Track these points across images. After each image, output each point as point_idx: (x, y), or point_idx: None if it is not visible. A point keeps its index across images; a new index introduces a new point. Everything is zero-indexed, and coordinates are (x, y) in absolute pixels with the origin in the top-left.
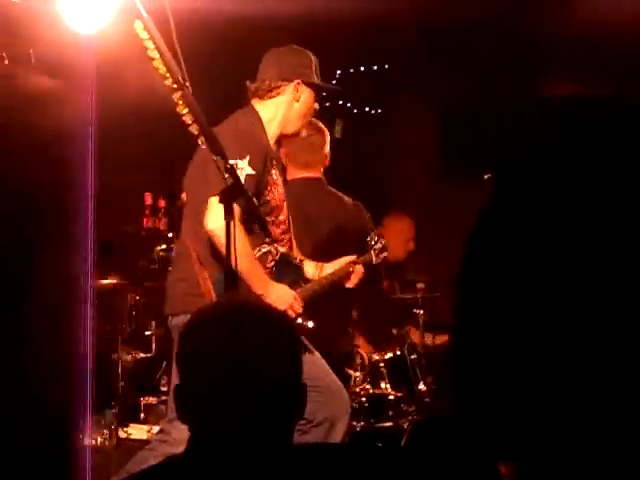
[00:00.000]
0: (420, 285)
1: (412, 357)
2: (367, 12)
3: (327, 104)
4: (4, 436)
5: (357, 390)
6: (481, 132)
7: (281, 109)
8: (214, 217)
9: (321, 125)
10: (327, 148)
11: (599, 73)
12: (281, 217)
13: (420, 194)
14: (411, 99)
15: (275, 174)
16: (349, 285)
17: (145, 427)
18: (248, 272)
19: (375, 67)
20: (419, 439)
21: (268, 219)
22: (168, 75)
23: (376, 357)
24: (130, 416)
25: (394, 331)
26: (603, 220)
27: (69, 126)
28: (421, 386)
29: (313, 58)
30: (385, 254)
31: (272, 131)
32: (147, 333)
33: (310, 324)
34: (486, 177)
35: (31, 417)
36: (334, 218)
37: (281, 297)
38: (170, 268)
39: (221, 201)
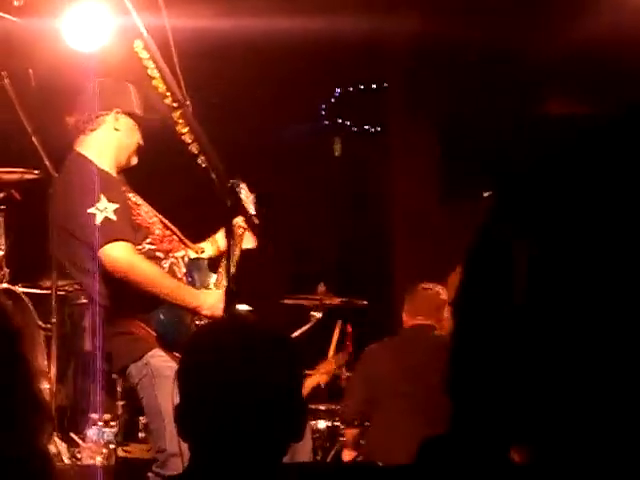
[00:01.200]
0: None
1: None
2: (366, 31)
3: (326, 122)
4: None
5: None
6: (480, 150)
7: (105, 140)
8: (120, 262)
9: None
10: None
11: (596, 91)
12: (157, 232)
13: (420, 213)
14: (410, 118)
15: (132, 197)
16: (244, 246)
17: (145, 446)
18: (175, 293)
19: (374, 86)
20: (422, 458)
21: (148, 240)
22: (168, 94)
23: None
24: (129, 435)
25: None
26: (604, 235)
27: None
28: None
29: (132, 88)
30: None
31: (107, 164)
32: None
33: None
34: (486, 195)
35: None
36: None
37: (215, 303)
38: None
39: (221, 220)
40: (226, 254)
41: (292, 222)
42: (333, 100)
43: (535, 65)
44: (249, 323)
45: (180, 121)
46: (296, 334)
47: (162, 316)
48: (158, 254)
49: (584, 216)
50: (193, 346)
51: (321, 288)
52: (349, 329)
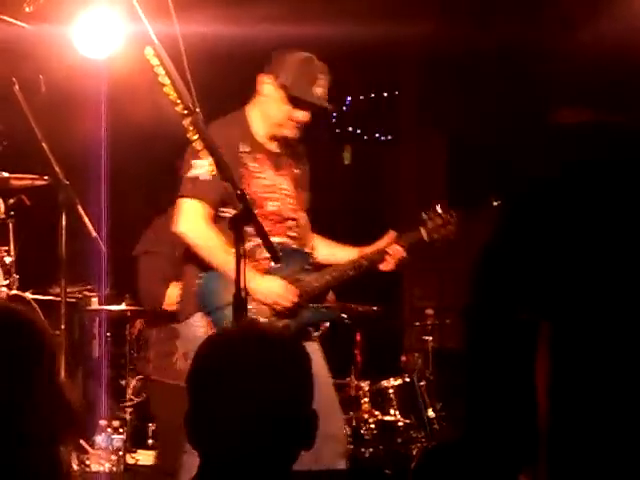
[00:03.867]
0: (429, 311)
1: (421, 384)
2: (378, 39)
3: (337, 130)
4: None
5: (366, 417)
6: (490, 158)
7: (259, 104)
8: (183, 219)
9: None
10: None
11: (608, 99)
12: (269, 208)
13: None
14: (421, 126)
15: (254, 167)
16: (383, 268)
17: (153, 453)
18: (224, 266)
19: (385, 94)
20: (428, 466)
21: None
22: (179, 101)
23: (385, 384)
24: (138, 442)
25: (403, 358)
26: (611, 254)
27: (79, 155)
28: (430, 413)
29: (317, 71)
30: (444, 232)
31: (258, 126)
32: None
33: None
34: (495, 204)
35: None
36: None
37: (266, 290)
38: None
39: (230, 227)
40: (236, 263)
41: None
42: (344, 108)
43: (548, 73)
44: (261, 330)
45: (191, 128)
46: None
47: (202, 281)
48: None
49: (590, 235)
50: (205, 351)
51: (330, 296)
52: (357, 338)
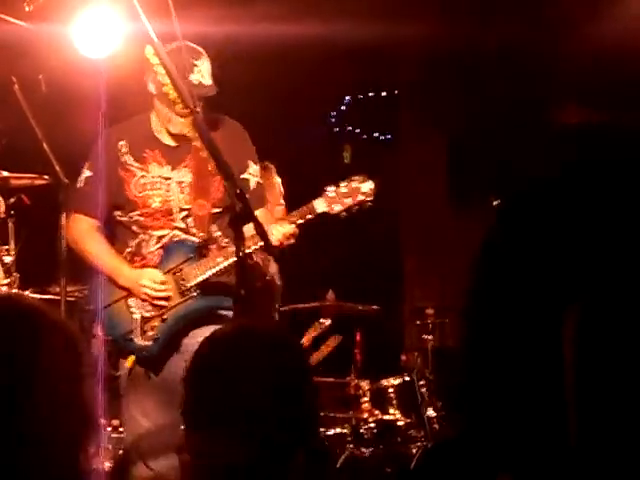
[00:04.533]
0: (429, 311)
1: (421, 383)
2: (378, 38)
3: (336, 129)
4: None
5: (366, 416)
6: (490, 158)
7: (154, 102)
8: (67, 233)
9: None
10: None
11: (611, 99)
12: (154, 205)
13: (429, 220)
14: (421, 125)
15: (135, 166)
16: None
17: None
18: (107, 274)
19: (384, 93)
20: (428, 465)
21: (135, 213)
22: (179, 100)
23: (385, 383)
24: None
25: (403, 357)
26: (611, 258)
27: (79, 154)
28: (430, 412)
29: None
30: (352, 202)
31: (155, 122)
32: None
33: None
34: (495, 203)
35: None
36: None
37: (131, 284)
38: None
39: (230, 225)
40: (237, 261)
41: (301, 229)
42: (343, 107)
43: (549, 73)
44: (259, 329)
45: (191, 127)
46: (304, 340)
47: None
48: (134, 228)
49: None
50: (203, 350)
51: (330, 295)
52: (358, 337)
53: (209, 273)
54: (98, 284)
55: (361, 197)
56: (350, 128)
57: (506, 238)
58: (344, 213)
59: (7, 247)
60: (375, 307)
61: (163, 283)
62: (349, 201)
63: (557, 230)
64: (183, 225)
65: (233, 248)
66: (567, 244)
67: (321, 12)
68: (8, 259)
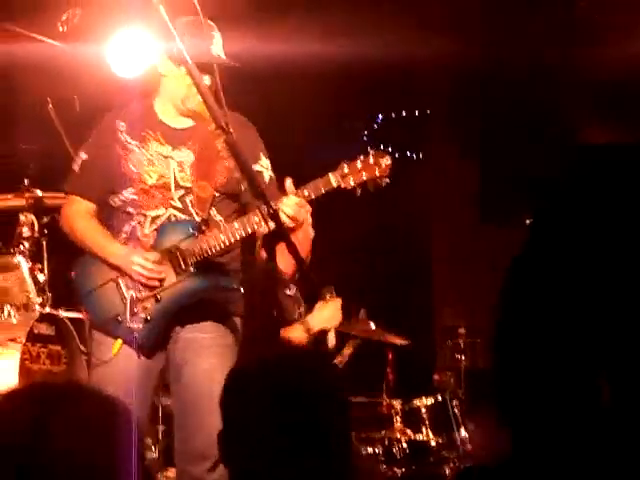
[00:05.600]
0: (461, 330)
1: (453, 403)
2: (410, 57)
3: (368, 148)
4: None
5: (398, 436)
6: (522, 176)
7: (162, 85)
8: (62, 215)
9: None
10: None
11: (636, 120)
12: (150, 181)
13: (460, 240)
14: (451, 145)
15: (133, 143)
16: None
17: None
18: (96, 253)
19: (416, 112)
20: None
21: (131, 191)
22: (211, 120)
23: (417, 403)
24: (170, 460)
25: (436, 376)
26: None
27: None
28: (463, 433)
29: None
30: (367, 176)
31: (159, 106)
32: None
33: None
34: (528, 222)
35: None
36: None
37: (122, 263)
38: None
39: (263, 245)
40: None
41: (330, 247)
42: (375, 126)
43: (576, 92)
44: (298, 355)
45: (223, 147)
46: (337, 361)
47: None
48: (129, 209)
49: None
50: (240, 372)
51: (362, 315)
52: (389, 356)
53: (212, 248)
54: (85, 264)
55: (377, 173)
56: (382, 147)
57: (534, 260)
58: (359, 189)
59: (40, 266)
60: (404, 341)
61: (158, 263)
62: (364, 176)
63: (582, 249)
64: (180, 205)
65: (235, 226)
66: (591, 264)
67: (354, 30)
68: (42, 278)
